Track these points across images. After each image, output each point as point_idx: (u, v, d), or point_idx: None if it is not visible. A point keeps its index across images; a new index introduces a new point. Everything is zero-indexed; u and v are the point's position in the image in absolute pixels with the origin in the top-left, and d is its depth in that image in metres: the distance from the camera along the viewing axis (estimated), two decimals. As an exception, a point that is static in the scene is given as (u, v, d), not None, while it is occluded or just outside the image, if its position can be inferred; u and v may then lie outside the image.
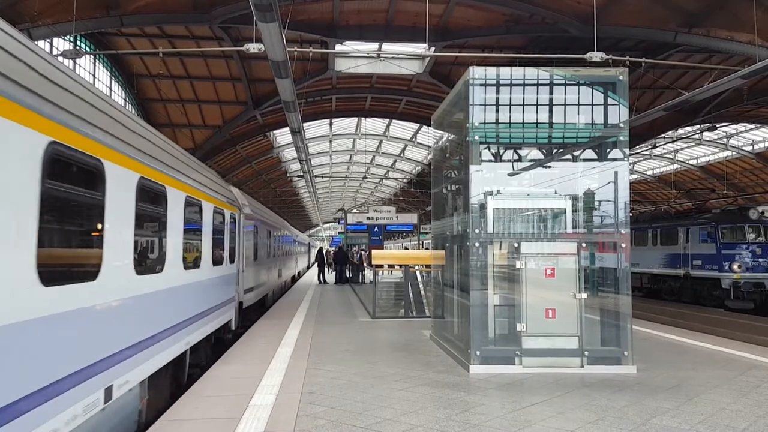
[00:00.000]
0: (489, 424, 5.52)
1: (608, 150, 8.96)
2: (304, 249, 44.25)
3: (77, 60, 21.49)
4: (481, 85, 8.63)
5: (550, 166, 10.08)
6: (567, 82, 9.08)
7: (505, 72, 9.05)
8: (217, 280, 9.70)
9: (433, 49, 21.44)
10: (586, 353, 7.94)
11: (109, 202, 4.94)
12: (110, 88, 25.90)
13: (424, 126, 34.08)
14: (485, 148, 9.03)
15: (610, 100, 8.70)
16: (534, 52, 19.94)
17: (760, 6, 15.57)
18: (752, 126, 34.42)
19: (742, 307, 21.08)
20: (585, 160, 9.63)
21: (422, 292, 15.54)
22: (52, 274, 3.96)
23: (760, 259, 21.69)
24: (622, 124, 8.48)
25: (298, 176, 45.70)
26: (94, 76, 24.17)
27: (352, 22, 21.50)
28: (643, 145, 33.85)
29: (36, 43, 18.56)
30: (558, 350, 7.96)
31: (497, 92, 8.95)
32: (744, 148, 39.03)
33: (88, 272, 4.61)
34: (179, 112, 29.14)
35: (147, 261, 6.07)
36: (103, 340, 4.89)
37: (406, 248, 51.38)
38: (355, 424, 5.49)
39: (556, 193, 9.10)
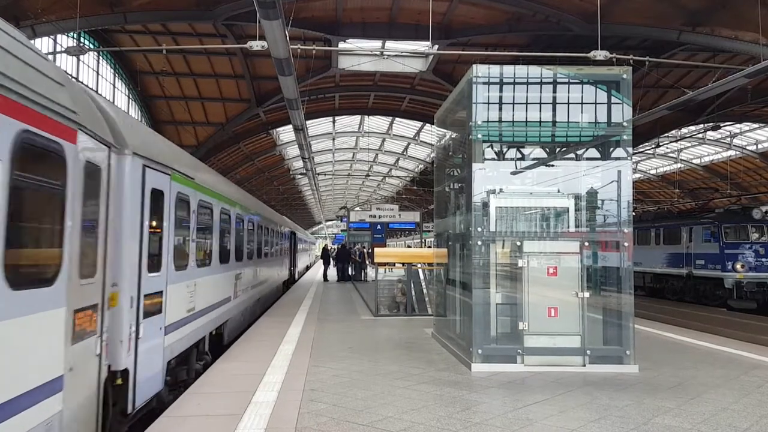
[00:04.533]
0: (490, 422, 5.53)
1: (611, 149, 8.94)
2: (277, 246, 20.98)
3: (81, 57, 21.52)
4: (484, 83, 8.62)
5: (552, 165, 10.07)
6: (570, 81, 9.07)
7: (508, 70, 9.04)
8: None
9: (436, 47, 21.41)
10: (588, 352, 7.94)
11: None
12: (113, 85, 25.94)
13: (427, 124, 34.04)
14: (488, 147, 9.02)
15: (613, 99, 8.67)
16: (537, 51, 19.89)
17: (765, 5, 15.50)
18: (756, 125, 34.29)
19: (745, 307, 21.05)
20: (588, 158, 9.62)
21: (424, 290, 15.55)
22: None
23: (763, 259, 21.64)
24: (625, 123, 8.46)
25: (300, 174, 45.60)
26: (97, 72, 24.20)
27: (355, 20, 21.48)
28: (646, 144, 33.78)
29: (39, 39, 18.61)
30: (560, 349, 7.96)
31: (500, 90, 8.93)
32: (748, 147, 38.91)
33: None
34: (182, 109, 29.17)
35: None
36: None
37: (408, 246, 51.35)
38: (356, 421, 5.50)
39: (558, 191, 9.09)
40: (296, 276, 29.61)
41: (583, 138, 9.31)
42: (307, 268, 44.53)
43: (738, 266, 21.52)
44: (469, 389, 6.80)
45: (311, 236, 64.89)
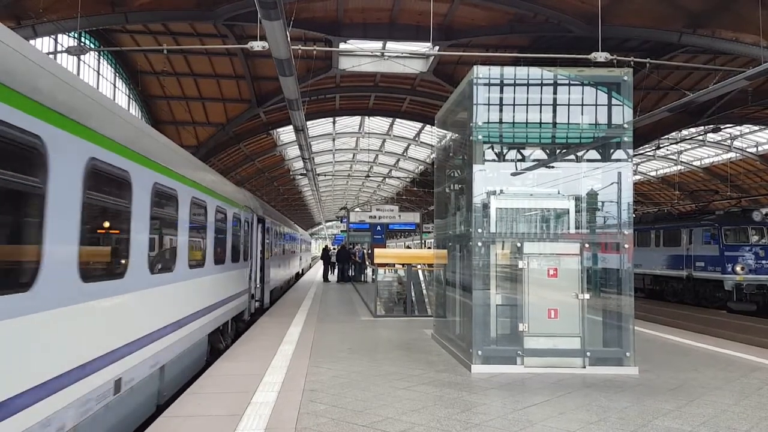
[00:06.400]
0: (490, 423, 5.52)
1: (612, 150, 8.95)
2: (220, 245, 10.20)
3: (82, 56, 21.52)
4: (485, 84, 8.63)
5: (553, 167, 10.08)
6: (571, 82, 9.07)
7: (509, 71, 9.05)
8: None
9: (437, 48, 21.42)
10: (588, 354, 7.94)
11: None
12: (114, 85, 25.94)
13: (428, 125, 34.05)
14: (489, 148, 9.02)
15: (614, 101, 8.68)
16: (538, 52, 19.90)
17: (765, 7, 15.50)
18: (756, 128, 34.28)
19: (745, 309, 21.04)
20: (588, 160, 9.62)
21: (424, 291, 15.55)
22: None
23: (763, 261, 21.64)
24: (626, 125, 8.47)
25: (301, 174, 45.59)
26: (98, 72, 24.21)
27: (356, 21, 21.49)
28: (647, 145, 33.74)
29: (40, 39, 18.61)
30: (560, 350, 7.96)
31: (501, 92, 8.93)
32: (748, 149, 38.89)
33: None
34: (183, 109, 29.17)
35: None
36: None
37: (408, 247, 51.30)
38: (356, 422, 5.49)
39: (559, 193, 9.09)
40: (268, 299, 17.03)
41: (584, 139, 9.31)
42: (299, 275, 33.78)
43: (738, 268, 21.52)
44: (469, 390, 6.80)
45: (302, 232, 42.65)
